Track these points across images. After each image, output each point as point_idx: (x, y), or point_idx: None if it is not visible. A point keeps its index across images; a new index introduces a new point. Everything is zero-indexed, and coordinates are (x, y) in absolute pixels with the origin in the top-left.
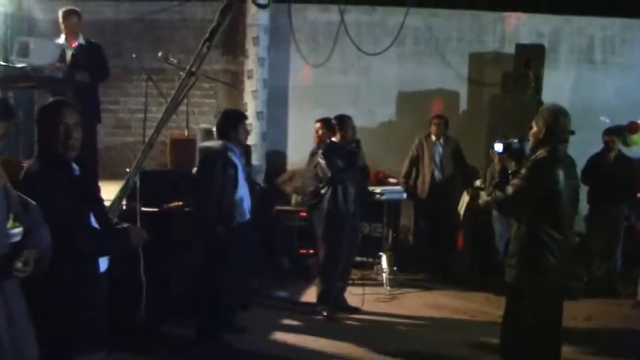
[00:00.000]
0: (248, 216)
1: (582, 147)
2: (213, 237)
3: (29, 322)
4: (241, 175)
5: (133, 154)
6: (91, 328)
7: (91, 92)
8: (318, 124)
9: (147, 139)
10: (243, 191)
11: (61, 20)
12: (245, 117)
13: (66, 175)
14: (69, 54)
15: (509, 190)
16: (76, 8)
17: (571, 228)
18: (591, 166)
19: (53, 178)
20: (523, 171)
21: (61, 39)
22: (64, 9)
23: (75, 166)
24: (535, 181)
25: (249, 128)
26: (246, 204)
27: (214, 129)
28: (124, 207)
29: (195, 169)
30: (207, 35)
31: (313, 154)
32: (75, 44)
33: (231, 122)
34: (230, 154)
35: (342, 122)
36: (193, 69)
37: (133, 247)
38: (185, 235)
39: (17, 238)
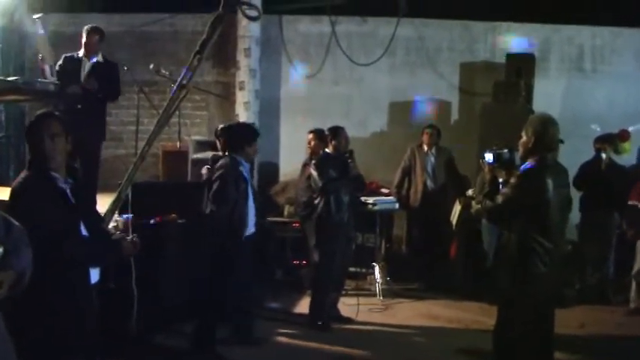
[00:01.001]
0: (253, 229)
1: (573, 155)
2: (222, 249)
3: (5, 342)
4: (250, 190)
5: (125, 167)
6: (80, 338)
7: (101, 110)
8: (310, 135)
9: (139, 151)
10: (250, 205)
11: (83, 36)
12: (258, 134)
13: (51, 186)
14: (87, 68)
15: (499, 199)
16: (99, 27)
17: (561, 236)
18: (583, 174)
19: (38, 188)
20: (512, 180)
21: (81, 52)
22: (87, 26)
23: (57, 175)
24: (524, 190)
25: None
26: (252, 217)
27: (219, 140)
28: (117, 219)
29: (204, 180)
30: (197, 48)
31: (306, 165)
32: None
33: (245, 138)
34: (241, 168)
35: (336, 133)
36: (184, 82)
37: (126, 257)
38: (178, 246)
39: None
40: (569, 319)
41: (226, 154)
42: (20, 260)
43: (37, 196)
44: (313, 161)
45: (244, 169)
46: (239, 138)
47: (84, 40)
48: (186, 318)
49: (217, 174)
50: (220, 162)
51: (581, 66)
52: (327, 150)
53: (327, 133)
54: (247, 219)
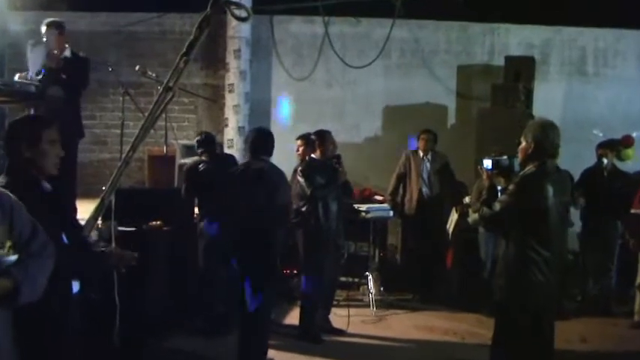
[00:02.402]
0: None
1: (575, 161)
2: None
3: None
4: None
5: (109, 171)
6: (58, 351)
7: (74, 103)
8: (299, 141)
9: (123, 156)
10: None
11: (43, 34)
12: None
13: (33, 192)
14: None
15: (497, 206)
16: (58, 20)
17: (561, 245)
18: (584, 180)
19: (20, 195)
20: (511, 187)
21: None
22: (45, 22)
23: (44, 182)
24: (523, 197)
25: (229, 144)
26: None
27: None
28: (99, 227)
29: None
30: (184, 50)
31: (296, 170)
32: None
33: (272, 142)
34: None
35: (322, 138)
36: (170, 84)
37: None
38: (164, 255)
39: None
40: (569, 333)
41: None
42: (28, 275)
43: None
44: (299, 168)
45: None
46: (265, 142)
47: (44, 38)
48: (172, 330)
49: (265, 181)
50: (272, 169)
51: (582, 69)
52: (313, 155)
53: (313, 137)
54: None
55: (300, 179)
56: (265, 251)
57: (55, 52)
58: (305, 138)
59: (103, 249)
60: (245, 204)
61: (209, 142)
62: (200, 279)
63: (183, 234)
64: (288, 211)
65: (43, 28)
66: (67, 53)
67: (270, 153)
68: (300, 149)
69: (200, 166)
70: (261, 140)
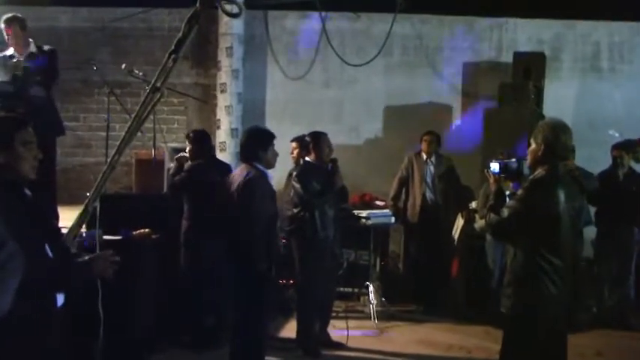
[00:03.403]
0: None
1: (589, 164)
2: (257, 275)
3: None
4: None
5: (94, 176)
6: None
7: (48, 98)
8: (293, 144)
9: (109, 160)
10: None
11: (3, 31)
12: (274, 136)
13: (12, 200)
14: (22, 65)
15: (505, 212)
16: (18, 14)
17: (573, 253)
18: (599, 184)
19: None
20: (520, 192)
21: (10, 50)
22: (4, 17)
23: (24, 189)
24: (533, 203)
25: (222, 146)
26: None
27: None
28: (83, 235)
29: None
30: (172, 47)
31: (291, 175)
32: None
33: (261, 143)
34: (269, 179)
35: (317, 140)
36: (158, 84)
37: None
38: (152, 264)
39: None
40: (584, 346)
41: (247, 163)
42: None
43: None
44: (294, 172)
45: (270, 179)
46: (253, 144)
47: (5, 35)
48: (160, 344)
49: (247, 189)
50: (247, 173)
51: (596, 65)
52: (308, 159)
53: (307, 139)
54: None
55: (296, 185)
56: (253, 262)
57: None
58: (300, 140)
59: (87, 258)
60: (230, 215)
61: (202, 139)
62: (187, 291)
63: (172, 242)
64: (275, 221)
65: (2, 25)
66: (32, 48)
67: (259, 158)
68: (295, 152)
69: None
70: (248, 143)
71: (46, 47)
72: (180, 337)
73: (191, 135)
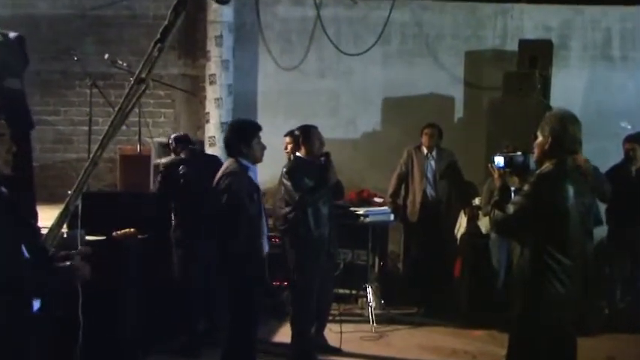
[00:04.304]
0: (267, 249)
1: (599, 158)
2: (239, 280)
3: None
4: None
5: (76, 173)
6: None
7: (17, 88)
8: (287, 139)
9: (92, 156)
10: (264, 220)
11: None
12: (260, 128)
13: None
14: None
15: (510, 208)
16: None
17: (583, 252)
18: (610, 180)
19: None
20: (526, 187)
21: None
22: None
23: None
24: (540, 198)
25: (211, 141)
26: (266, 233)
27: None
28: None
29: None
30: (158, 36)
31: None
32: None
33: (244, 136)
34: (251, 174)
35: (307, 134)
36: (143, 75)
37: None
38: (138, 266)
39: None
40: (594, 351)
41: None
42: None
43: None
44: (284, 169)
45: (254, 174)
46: (235, 138)
47: None
48: (147, 350)
49: (224, 184)
50: (226, 167)
51: (607, 53)
52: (299, 154)
53: (297, 133)
54: (264, 238)
55: (286, 182)
56: (242, 264)
57: None
58: (294, 135)
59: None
60: (216, 214)
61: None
62: (178, 293)
63: (159, 243)
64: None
65: None
66: None
67: (243, 153)
68: (289, 147)
69: (180, 167)
70: (231, 137)
71: (11, 34)
72: (170, 341)
73: (172, 143)
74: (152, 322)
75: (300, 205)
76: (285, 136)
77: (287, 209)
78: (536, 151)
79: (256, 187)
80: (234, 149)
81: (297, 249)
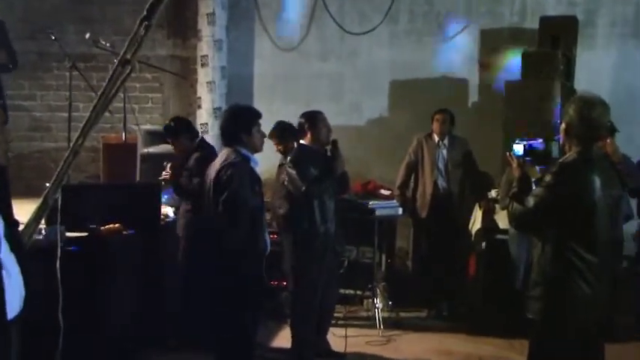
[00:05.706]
0: (269, 246)
1: (627, 145)
2: (239, 277)
3: None
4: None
5: (55, 164)
6: None
7: None
8: (272, 140)
9: (72, 144)
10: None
11: None
12: (260, 115)
13: None
14: None
15: (530, 201)
16: None
17: (611, 249)
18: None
19: None
20: (547, 177)
21: None
22: None
23: None
24: (562, 190)
25: (203, 128)
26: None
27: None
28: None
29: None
30: (144, 13)
31: (282, 165)
32: None
33: (244, 124)
34: (253, 165)
35: (313, 120)
36: (128, 56)
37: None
38: (123, 264)
39: None
40: (623, 356)
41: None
42: None
43: None
44: (289, 157)
45: (256, 165)
46: (232, 125)
47: None
48: (143, 347)
49: (226, 176)
50: (226, 158)
51: (637, 31)
52: (303, 142)
53: (301, 120)
54: (266, 234)
55: (291, 171)
56: (239, 261)
57: None
58: (276, 131)
59: None
60: (214, 207)
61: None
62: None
63: (146, 238)
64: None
65: None
66: None
67: (242, 141)
68: (278, 147)
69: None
70: (229, 125)
71: None
72: (165, 340)
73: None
74: (147, 319)
75: (306, 196)
76: (268, 138)
77: (283, 211)
78: (561, 137)
79: (258, 179)
80: (232, 137)
81: (300, 245)
